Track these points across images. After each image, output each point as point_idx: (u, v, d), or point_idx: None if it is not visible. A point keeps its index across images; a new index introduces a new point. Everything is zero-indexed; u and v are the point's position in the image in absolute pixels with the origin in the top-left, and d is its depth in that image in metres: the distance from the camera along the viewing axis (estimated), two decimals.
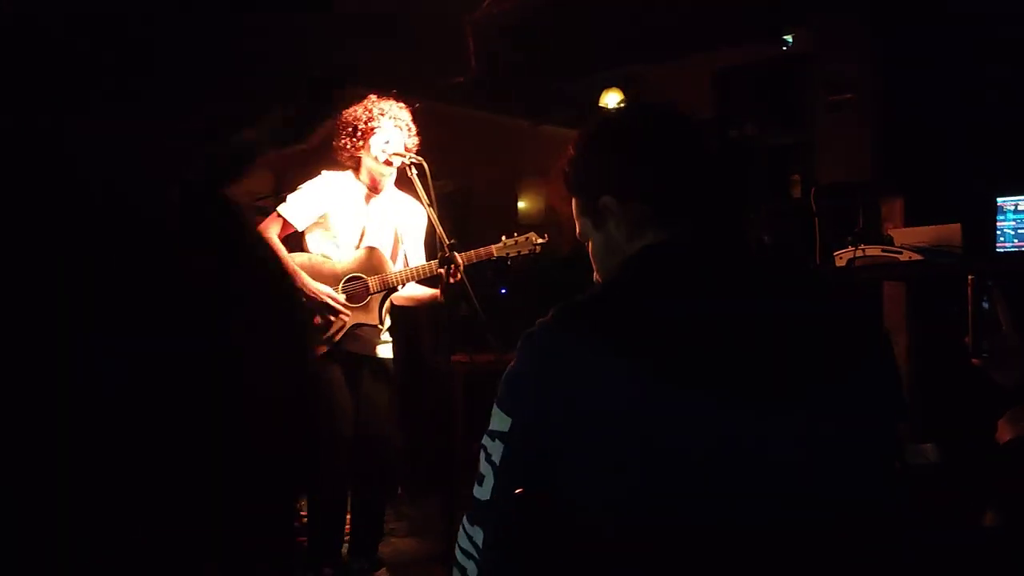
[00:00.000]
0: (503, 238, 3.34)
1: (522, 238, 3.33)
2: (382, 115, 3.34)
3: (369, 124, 3.31)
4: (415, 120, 3.45)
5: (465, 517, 1.12)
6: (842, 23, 3.69)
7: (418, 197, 3.31)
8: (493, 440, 1.10)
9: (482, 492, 1.10)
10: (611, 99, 6.52)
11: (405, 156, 3.27)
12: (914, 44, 3.61)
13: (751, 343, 1.05)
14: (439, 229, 3.17)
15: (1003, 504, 1.67)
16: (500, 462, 1.09)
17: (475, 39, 5.04)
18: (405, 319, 4.98)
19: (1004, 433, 1.59)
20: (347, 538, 4.22)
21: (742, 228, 1.20)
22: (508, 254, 3.31)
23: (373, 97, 3.39)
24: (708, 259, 1.14)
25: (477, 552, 1.08)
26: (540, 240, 3.32)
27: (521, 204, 7.79)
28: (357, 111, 3.34)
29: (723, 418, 1.01)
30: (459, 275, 3.12)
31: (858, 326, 1.13)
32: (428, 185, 3.22)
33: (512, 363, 1.13)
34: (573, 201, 1.33)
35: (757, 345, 1.04)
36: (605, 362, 1.04)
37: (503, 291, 6.08)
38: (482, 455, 1.12)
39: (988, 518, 1.70)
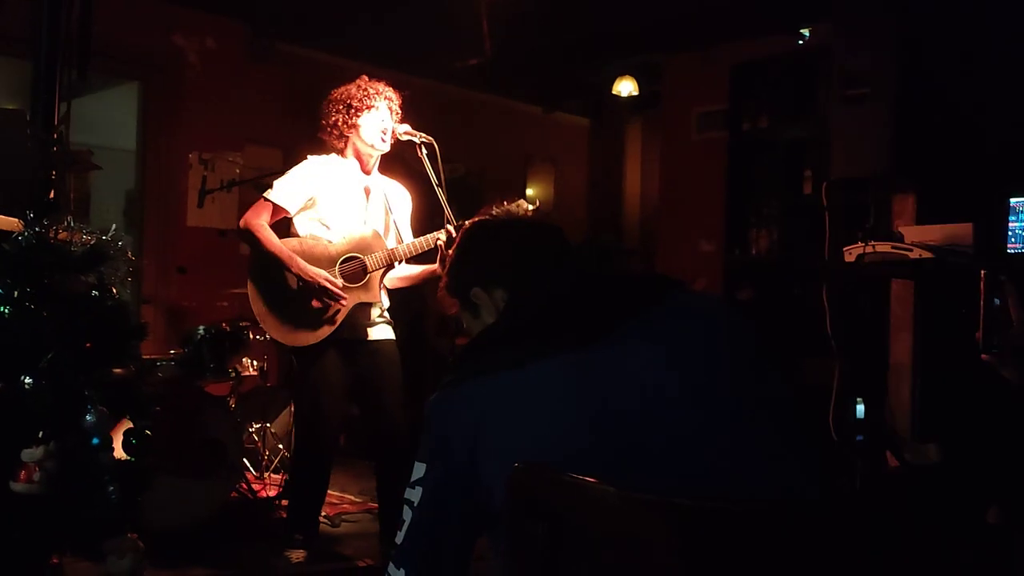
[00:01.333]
0: (493, 208, 3.33)
1: (513, 204, 3.32)
2: (377, 95, 3.33)
3: (364, 103, 3.30)
4: (414, 103, 3.45)
5: (390, 563, 1.29)
6: (861, 17, 3.67)
7: (409, 179, 3.31)
8: (413, 488, 1.28)
9: (400, 536, 1.28)
10: (624, 87, 6.48)
11: (415, 135, 3.26)
12: (932, 41, 3.58)
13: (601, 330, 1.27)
14: (447, 209, 3.17)
15: (1008, 502, 1.66)
16: (418, 503, 1.26)
17: (490, 22, 5.01)
18: (408, 301, 5.00)
19: None
20: (325, 513, 4.26)
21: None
22: None
23: (366, 77, 3.38)
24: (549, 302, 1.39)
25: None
26: (531, 206, 3.31)
27: (529, 191, 7.77)
28: (351, 90, 3.33)
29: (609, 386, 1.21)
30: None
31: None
32: (438, 165, 3.21)
33: (425, 433, 1.31)
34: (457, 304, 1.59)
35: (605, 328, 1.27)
36: (502, 386, 1.25)
37: None
38: (404, 507, 1.29)
39: (992, 516, 1.69)
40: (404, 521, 1.28)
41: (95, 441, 1.62)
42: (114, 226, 1.79)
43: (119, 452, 1.67)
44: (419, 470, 1.28)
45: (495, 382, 1.27)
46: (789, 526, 1.00)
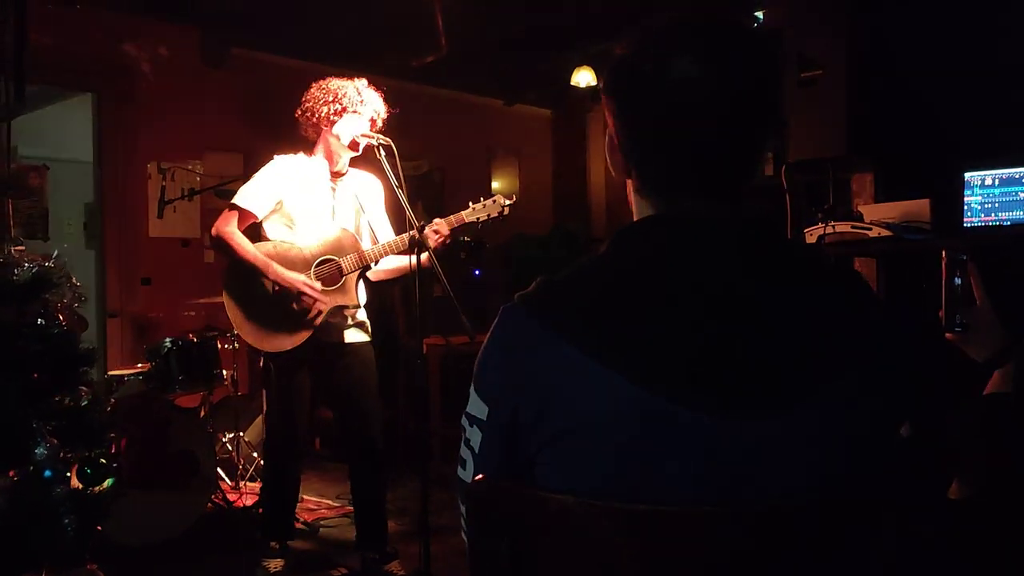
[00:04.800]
0: (471, 203, 3.32)
1: (489, 201, 3.31)
2: (368, 104, 3.30)
3: (353, 106, 3.26)
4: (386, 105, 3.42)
5: (458, 494, 1.14)
6: (813, 0, 3.69)
7: (382, 176, 3.29)
8: (471, 425, 1.10)
9: (465, 475, 1.11)
10: (583, 78, 6.48)
11: (373, 137, 3.23)
12: (885, 20, 3.60)
13: (745, 348, 0.97)
14: (409, 211, 3.13)
15: (971, 475, 1.67)
16: (479, 449, 1.09)
17: (444, 18, 4.98)
18: (378, 300, 4.96)
19: (989, 386, 1.59)
20: (304, 519, 4.24)
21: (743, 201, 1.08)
22: (478, 219, 3.30)
23: (365, 81, 3.35)
24: (706, 246, 1.02)
25: (467, 525, 1.12)
26: (508, 201, 3.30)
27: (495, 184, 7.75)
28: (347, 88, 3.28)
29: (713, 431, 0.96)
30: (436, 244, 3.14)
31: (859, 319, 1.04)
32: (396, 165, 3.18)
33: (486, 340, 1.09)
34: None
35: (751, 350, 0.97)
36: (580, 366, 0.98)
37: (477, 273, 6.06)
38: (463, 435, 1.11)
39: (954, 490, 1.70)
40: (464, 459, 1.11)
41: (47, 474, 1.57)
42: (56, 252, 1.74)
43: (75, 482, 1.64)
44: (479, 408, 1.09)
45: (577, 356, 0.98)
46: (750, 530, 1.00)
